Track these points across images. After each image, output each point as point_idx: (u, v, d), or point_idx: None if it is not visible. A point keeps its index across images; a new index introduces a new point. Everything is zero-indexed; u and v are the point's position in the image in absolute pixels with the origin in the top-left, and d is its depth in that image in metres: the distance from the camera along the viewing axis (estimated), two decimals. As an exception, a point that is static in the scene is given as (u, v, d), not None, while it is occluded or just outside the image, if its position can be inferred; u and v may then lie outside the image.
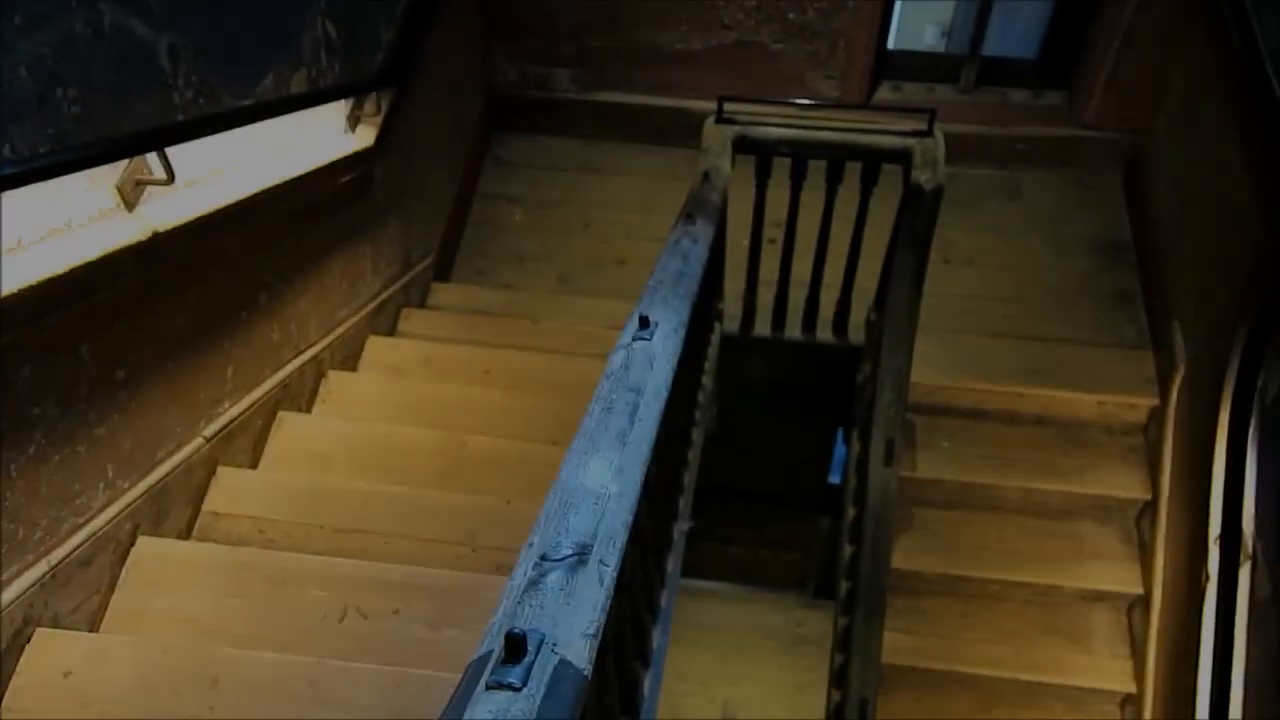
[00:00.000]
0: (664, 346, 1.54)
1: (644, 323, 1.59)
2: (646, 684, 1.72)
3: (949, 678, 3.31)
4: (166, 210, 2.03)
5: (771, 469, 5.68)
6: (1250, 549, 2.55)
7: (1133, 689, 3.17)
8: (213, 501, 2.38)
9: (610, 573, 1.00)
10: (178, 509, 2.28)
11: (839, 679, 3.26)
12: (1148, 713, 3.04)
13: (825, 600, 6.08)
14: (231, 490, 2.40)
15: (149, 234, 1.94)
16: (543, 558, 0.99)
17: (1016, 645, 3.28)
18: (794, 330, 3.38)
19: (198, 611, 2.04)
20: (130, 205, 1.95)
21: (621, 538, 1.07)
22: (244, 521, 2.35)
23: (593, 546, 1.02)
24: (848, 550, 3.32)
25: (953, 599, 3.38)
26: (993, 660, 3.27)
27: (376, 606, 2.04)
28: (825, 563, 6.02)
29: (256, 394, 2.58)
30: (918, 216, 2.75)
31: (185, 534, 2.32)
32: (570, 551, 1.00)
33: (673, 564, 2.07)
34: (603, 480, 1.13)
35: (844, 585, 3.33)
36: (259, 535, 2.33)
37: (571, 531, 1.04)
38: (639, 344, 1.53)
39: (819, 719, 3.63)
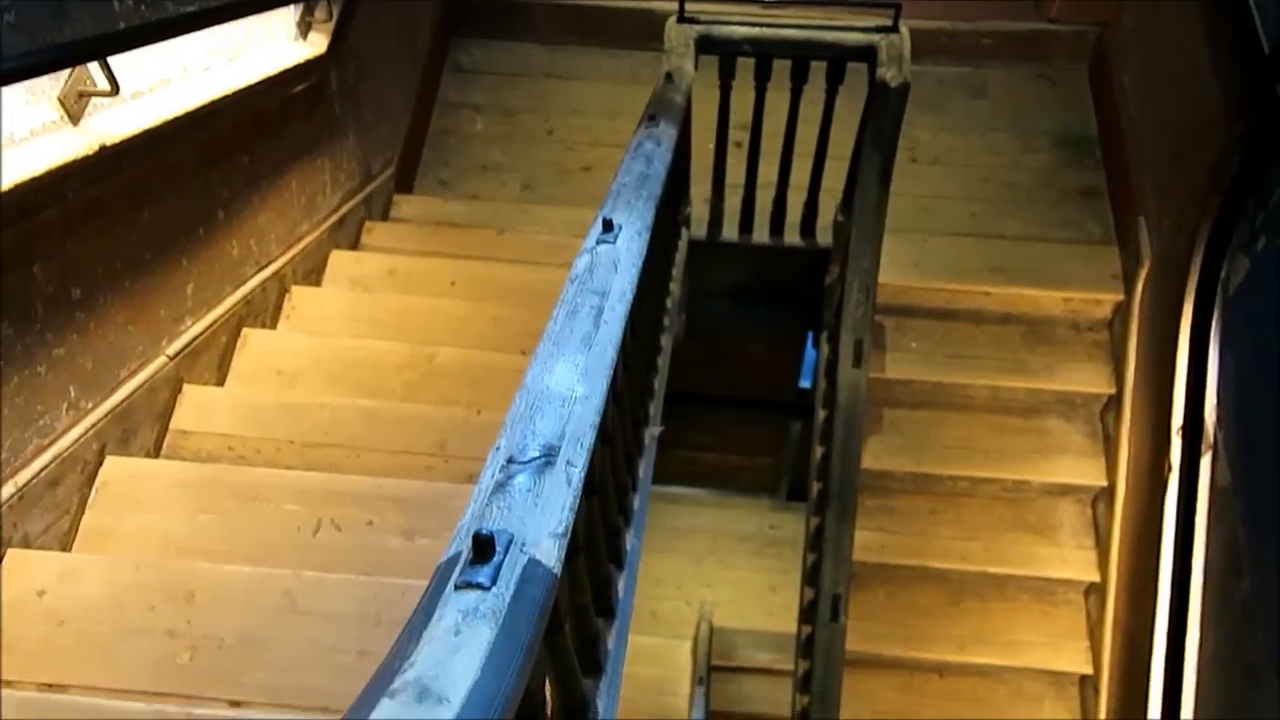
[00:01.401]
0: (628, 249, 1.53)
1: (607, 226, 1.57)
2: (621, 585, 1.74)
3: (919, 573, 3.38)
4: (113, 123, 1.97)
5: (742, 375, 5.72)
6: (1211, 439, 2.60)
7: (1097, 578, 3.25)
8: (180, 420, 2.36)
9: (578, 473, 1.00)
10: (145, 428, 2.26)
11: (811, 577, 3.32)
12: (1111, 600, 3.13)
13: (798, 503, 6.18)
14: (198, 408, 2.38)
15: (96, 148, 1.89)
16: (510, 460, 0.99)
17: (985, 540, 3.35)
18: (761, 234, 3.36)
19: (170, 528, 2.04)
20: (74, 118, 1.88)
21: (589, 439, 1.06)
22: (212, 439, 2.33)
23: (560, 448, 1.01)
24: (818, 452, 3.36)
25: (922, 497, 3.44)
26: (961, 555, 3.34)
27: (350, 518, 2.05)
28: (797, 466, 6.10)
29: (219, 311, 2.54)
30: (884, 115, 2.72)
31: (154, 453, 2.30)
32: (537, 454, 1.00)
33: (644, 468, 2.08)
34: (569, 383, 1.13)
35: (815, 486, 3.38)
36: (228, 452, 2.32)
37: (538, 434, 1.03)
38: (603, 247, 1.51)
39: (793, 618, 3.71)
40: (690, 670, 5.60)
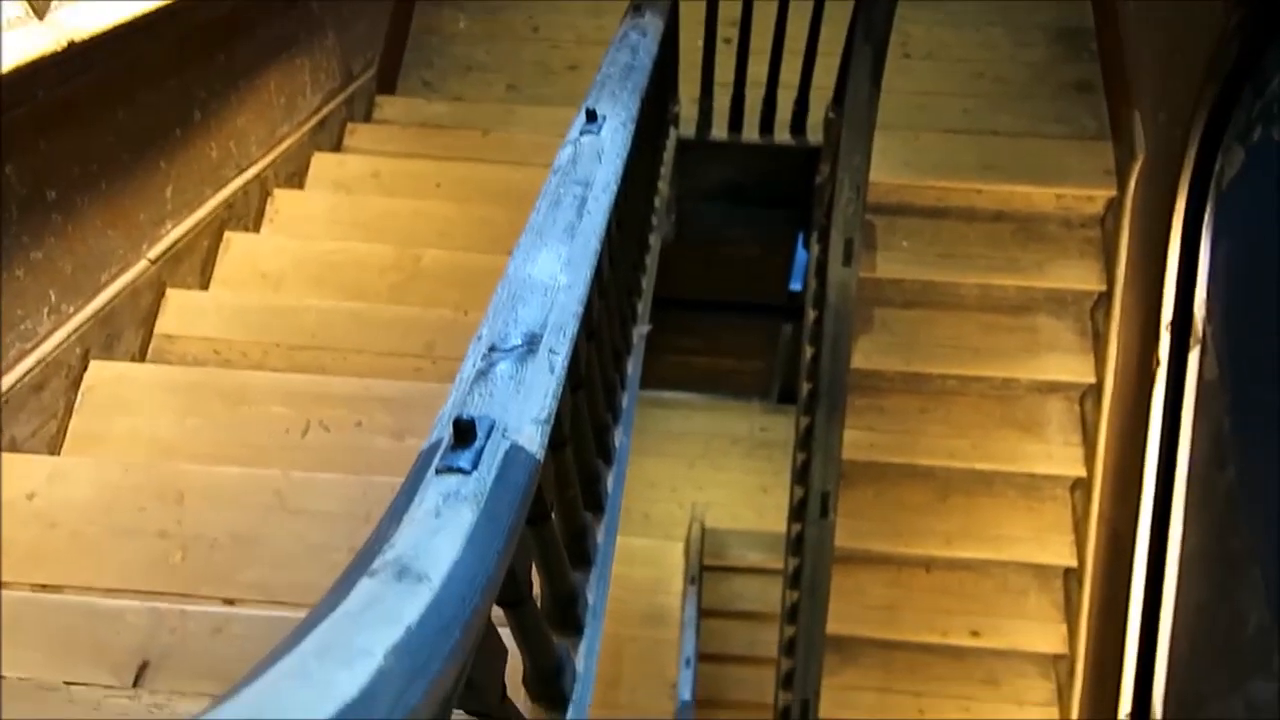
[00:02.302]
0: (613, 140, 1.49)
1: (591, 116, 1.53)
2: (610, 481, 1.75)
3: (907, 470, 3.41)
4: (82, 18, 1.90)
5: (733, 278, 5.70)
6: (1200, 333, 2.60)
7: (1083, 473, 3.28)
8: (164, 324, 2.34)
9: (561, 361, 0.99)
10: (129, 332, 2.24)
11: (801, 476, 3.35)
12: (1096, 495, 3.17)
13: (788, 405, 6.22)
14: (183, 312, 2.36)
15: (64, 44, 1.82)
16: (492, 349, 0.98)
17: (973, 437, 3.37)
18: (751, 132, 3.31)
19: (158, 432, 2.03)
20: (40, 13, 1.82)
21: (572, 327, 1.05)
22: (198, 343, 2.32)
23: (542, 336, 1.00)
24: (808, 352, 3.36)
25: (911, 396, 3.45)
26: (949, 452, 3.37)
27: (338, 420, 2.05)
28: (788, 369, 6.12)
29: (200, 214, 2.50)
30: (875, 8, 2.65)
31: (139, 357, 2.29)
32: (519, 342, 0.99)
33: (633, 366, 2.07)
34: (551, 272, 1.11)
35: (805, 386, 3.39)
36: (214, 356, 2.31)
37: (520, 322, 1.02)
38: (586, 138, 1.48)
39: (784, 518, 3.76)
40: (683, 570, 5.69)
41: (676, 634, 5.31)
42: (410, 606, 0.61)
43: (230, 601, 1.70)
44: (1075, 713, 3.14)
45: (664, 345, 5.91)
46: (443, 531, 0.71)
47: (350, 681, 0.49)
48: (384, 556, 0.68)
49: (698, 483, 6.16)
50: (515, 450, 0.84)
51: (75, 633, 1.57)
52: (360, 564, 0.68)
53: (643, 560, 5.66)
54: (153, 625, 1.57)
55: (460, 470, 0.79)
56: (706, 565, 5.71)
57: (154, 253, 2.31)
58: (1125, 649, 2.84)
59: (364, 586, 0.63)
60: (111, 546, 1.77)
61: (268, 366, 2.28)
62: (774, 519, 5.63)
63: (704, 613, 5.49)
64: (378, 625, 0.57)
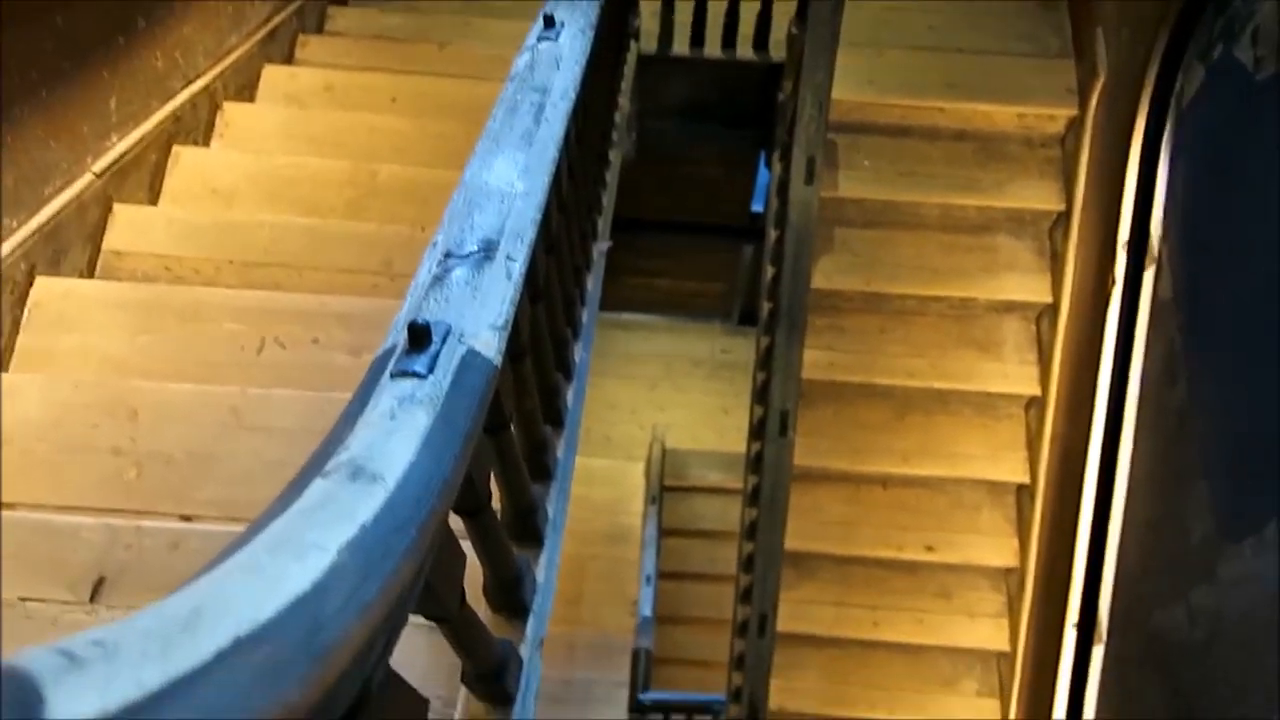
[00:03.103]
0: (571, 47, 1.46)
1: (549, 22, 1.50)
2: (570, 396, 1.75)
3: (866, 390, 3.44)
4: (13, -86, 1.82)
5: (695, 198, 5.66)
6: (1156, 252, 2.62)
7: (1038, 392, 3.33)
8: (113, 240, 2.28)
9: (518, 268, 0.98)
10: (75, 248, 2.19)
11: (761, 395, 3.37)
12: (1050, 413, 3.22)
13: (749, 327, 6.25)
14: (131, 228, 2.30)
15: (-4, -59, 1.75)
16: (447, 254, 0.96)
17: (931, 356, 3.40)
18: (713, 48, 3.25)
19: (109, 349, 2.00)
20: (-31, -92, 1.74)
21: (529, 235, 1.03)
22: (148, 259, 2.27)
23: (499, 243, 0.99)
24: (769, 271, 3.35)
25: (871, 315, 3.47)
26: (908, 371, 3.40)
27: (294, 337, 2.02)
28: (749, 291, 6.13)
29: (146, 127, 2.43)
30: (841, -83, 2.60)
31: (87, 274, 2.24)
32: (475, 248, 0.97)
33: (593, 283, 2.06)
34: (508, 179, 1.09)
35: (766, 306, 3.39)
36: (166, 273, 2.26)
37: (476, 229, 1.00)
38: (544, 44, 1.44)
39: (744, 439, 3.79)
40: (643, 490, 5.75)
41: (637, 552, 5.39)
42: (364, 506, 0.60)
43: (187, 518, 1.69)
44: (1025, 623, 3.22)
45: (625, 267, 5.89)
46: (397, 434, 0.70)
47: (302, 575, 0.49)
48: (337, 458, 0.67)
49: (659, 404, 6.20)
50: (472, 355, 0.83)
51: (30, 549, 1.55)
52: (313, 466, 0.68)
53: (604, 481, 5.70)
54: (108, 541, 1.56)
55: (415, 374, 0.78)
56: (667, 485, 5.78)
57: (99, 166, 2.24)
58: (1074, 562, 2.92)
59: (317, 486, 0.62)
60: (64, 464, 1.75)
61: (220, 284, 2.24)
62: (734, 440, 5.68)
63: (664, 532, 5.57)
64: (331, 523, 0.56)
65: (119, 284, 2.19)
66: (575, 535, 5.22)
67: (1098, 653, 2.73)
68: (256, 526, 0.58)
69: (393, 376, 0.78)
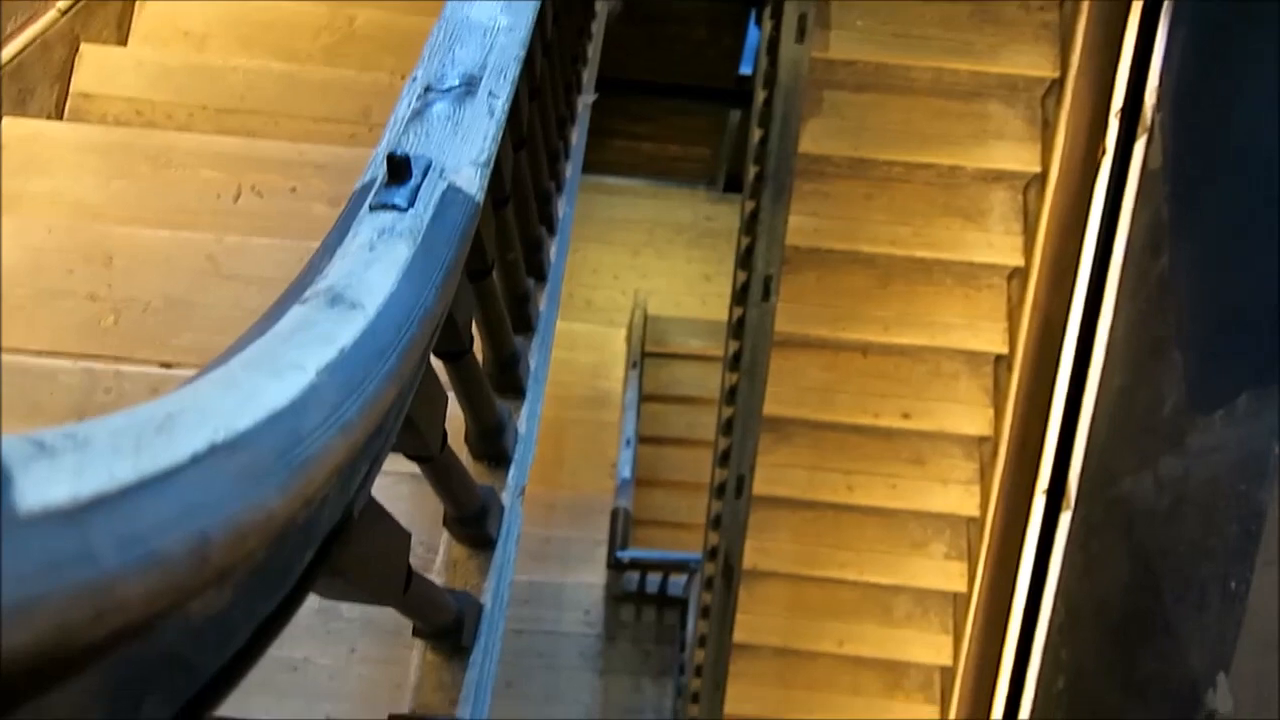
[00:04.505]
0: (558, -121, 1.39)
1: None
2: (553, 250, 1.73)
3: (849, 257, 3.43)
4: None
5: (682, 60, 5.52)
6: (1149, 121, 2.58)
7: (1021, 262, 3.32)
8: (81, 82, 2.21)
9: (501, 105, 0.95)
10: (42, 89, 2.12)
11: (745, 260, 3.36)
12: (1032, 283, 3.22)
13: (734, 194, 6.18)
14: (101, 70, 2.22)
15: None
16: (427, 89, 0.93)
17: (916, 224, 3.38)
18: (706, -105, 3.12)
19: (81, 194, 1.95)
20: None
21: (512, 71, 1.00)
22: (118, 103, 2.20)
23: (481, 78, 0.95)
24: (757, 134, 3.30)
25: (858, 181, 3.43)
26: (892, 239, 3.38)
27: (271, 185, 1.98)
28: (734, 157, 6.04)
29: (113, -38, 2.33)
30: None
31: (55, 116, 2.17)
32: (457, 82, 0.94)
33: (577, 136, 2.02)
34: (491, 13, 1.05)
35: (752, 170, 3.34)
36: (137, 117, 2.20)
37: (458, 63, 0.96)
38: (530, -124, 1.37)
39: (725, 306, 3.79)
40: (625, 355, 5.78)
41: (618, 416, 5.45)
42: (343, 331, 0.59)
43: (167, 365, 1.68)
44: (996, 489, 3.30)
45: (610, 129, 5.78)
46: (377, 264, 0.69)
47: (280, 392, 0.48)
48: (315, 286, 0.66)
49: (641, 270, 6.18)
50: (454, 191, 0.81)
51: (8, 391, 1.54)
52: (291, 295, 0.66)
53: (585, 345, 5.72)
54: (88, 385, 1.55)
55: (395, 207, 0.76)
56: (648, 352, 5.80)
57: (63, 2, 2.15)
58: (1047, 431, 2.97)
59: (295, 312, 0.61)
60: (40, 309, 1.72)
61: (194, 130, 2.18)
62: (716, 307, 5.70)
63: (644, 397, 5.62)
64: (309, 345, 0.55)
65: (90, 127, 2.13)
66: (556, 399, 5.27)
67: (1065, 518, 2.81)
68: (233, 350, 0.57)
69: (372, 209, 0.76)
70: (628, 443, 5.16)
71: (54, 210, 1.94)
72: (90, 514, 0.31)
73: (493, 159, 0.89)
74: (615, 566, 4.95)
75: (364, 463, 0.61)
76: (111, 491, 0.32)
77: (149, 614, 0.32)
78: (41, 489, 0.30)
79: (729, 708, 3.69)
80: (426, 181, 0.80)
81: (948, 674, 3.60)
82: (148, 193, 1.97)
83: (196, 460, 0.38)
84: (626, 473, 5.07)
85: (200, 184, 1.97)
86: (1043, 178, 3.24)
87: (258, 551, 0.41)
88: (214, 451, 0.39)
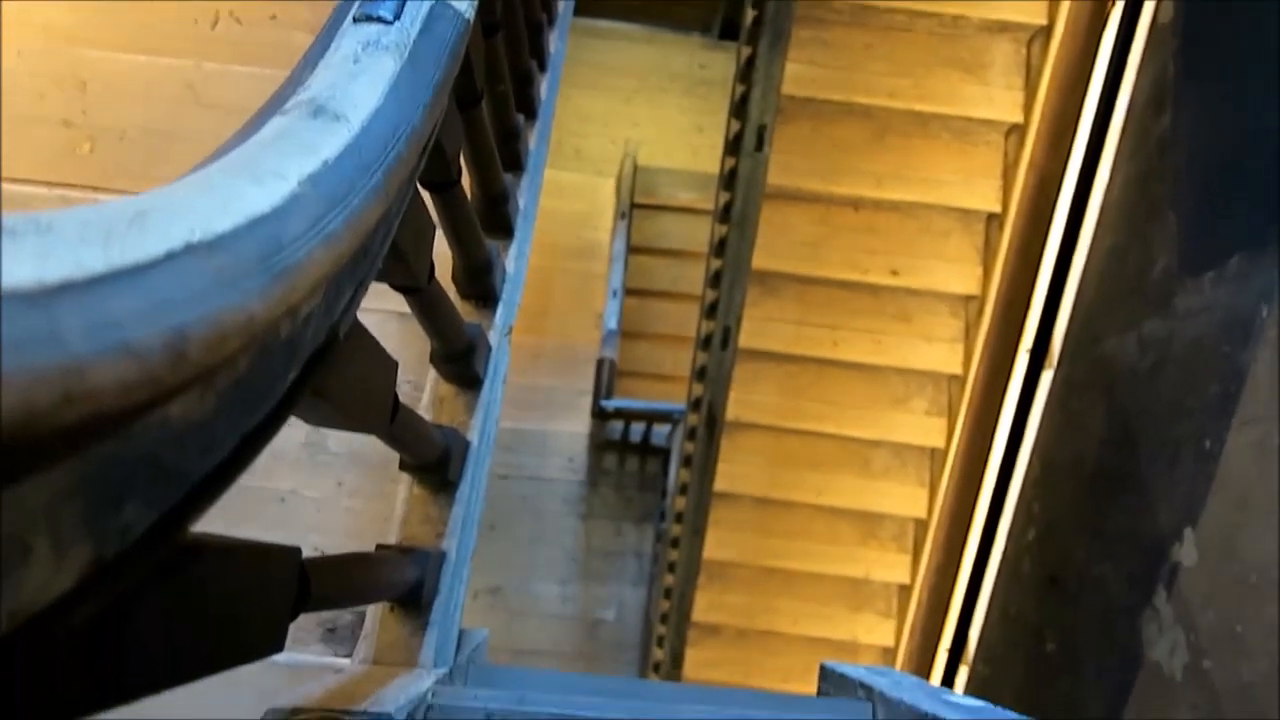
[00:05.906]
0: None
1: None
2: (544, 88, 1.67)
3: (845, 108, 3.35)
4: None
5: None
6: (1164, -28, 2.49)
7: (1020, 119, 3.26)
8: (46, -105, 2.09)
9: (492, -83, 0.89)
10: (5, -99, 2.00)
11: (739, 109, 3.27)
12: (1030, 141, 3.16)
13: (729, 41, 6.00)
14: (66, -119, 2.10)
15: None
16: (414, -103, 0.87)
17: (915, 76, 3.29)
18: None
19: (50, 15, 1.86)
20: None
21: (505, -118, 0.94)
22: (87, -81, 2.08)
23: (471, -112, 0.89)
24: (756, -25, 3.16)
25: (857, 30, 3.32)
26: (889, 91, 3.29)
27: (250, 12, 1.89)
28: (732, 1, 5.84)
29: None
30: None
31: (21, -69, 2.06)
32: (445, -109, 0.88)
33: (569, -32, 1.93)
34: None
35: (750, 14, 3.22)
36: (107, -66, 2.09)
37: None
38: None
39: (717, 159, 3.71)
40: (613, 206, 5.71)
41: (604, 267, 5.42)
42: (327, 142, 0.56)
43: (145, 196, 1.64)
44: (979, 347, 3.31)
45: (603, -31, 5.57)
46: (362, 77, 0.66)
47: (261, 198, 0.46)
48: (297, 98, 0.62)
49: (632, 119, 6.04)
50: (442, 5, 0.77)
51: (-18, 218, 1.50)
52: (271, 106, 0.63)
53: (573, 195, 5.64)
54: (64, 214, 1.52)
55: (381, 19, 0.72)
56: (637, 203, 5.73)
57: None
58: (1035, 290, 2.97)
59: (276, 122, 0.58)
60: (11, 135, 1.67)
61: (168, -51, 2.07)
62: (707, 160, 5.60)
63: (632, 249, 5.58)
64: (291, 153, 0.53)
65: (57, -56, 2.02)
66: (543, 248, 5.22)
67: (1046, 376, 2.83)
68: (211, 158, 0.54)
69: (356, 21, 0.72)
70: (614, 294, 5.15)
71: (21, 32, 1.85)
72: (56, 298, 0.29)
73: (482, -25, 0.84)
74: (599, 415, 5.01)
75: (349, 284, 0.59)
76: (79, 279, 0.31)
77: (124, 406, 0.31)
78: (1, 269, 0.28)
79: (707, 552, 3.79)
80: (413, -5, 0.75)
81: (921, 526, 3.69)
82: (121, 19, 1.88)
83: (172, 257, 0.36)
84: (612, 324, 5.07)
85: (176, 9, 1.89)
86: (1048, 30, 3.14)
87: (239, 358, 0.39)
88: (191, 250, 0.37)
